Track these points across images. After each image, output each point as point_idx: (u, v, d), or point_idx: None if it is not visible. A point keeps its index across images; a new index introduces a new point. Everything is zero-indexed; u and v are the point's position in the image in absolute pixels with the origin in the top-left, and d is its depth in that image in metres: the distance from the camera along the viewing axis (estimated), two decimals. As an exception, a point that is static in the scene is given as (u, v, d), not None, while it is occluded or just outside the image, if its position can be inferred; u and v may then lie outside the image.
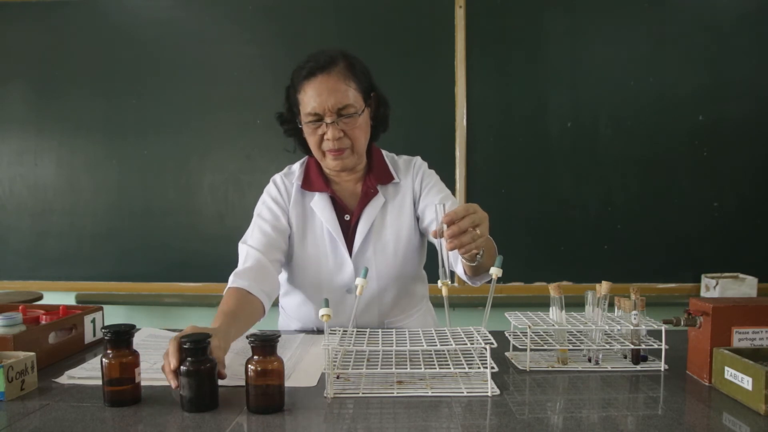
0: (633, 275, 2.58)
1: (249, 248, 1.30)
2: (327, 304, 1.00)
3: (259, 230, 1.34)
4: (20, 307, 1.22)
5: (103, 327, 0.90)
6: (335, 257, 1.35)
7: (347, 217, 1.36)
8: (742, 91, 2.58)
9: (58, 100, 2.77)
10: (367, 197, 1.36)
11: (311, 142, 1.30)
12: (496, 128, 2.64)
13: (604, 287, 1.08)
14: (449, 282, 1.07)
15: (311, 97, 1.24)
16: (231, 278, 1.24)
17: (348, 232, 1.36)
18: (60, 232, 2.79)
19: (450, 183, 2.66)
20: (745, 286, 2.47)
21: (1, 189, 2.82)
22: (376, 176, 1.37)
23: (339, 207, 1.37)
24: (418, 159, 1.45)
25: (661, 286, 2.62)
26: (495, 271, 1.07)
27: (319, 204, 1.36)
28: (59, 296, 2.72)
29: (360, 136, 1.30)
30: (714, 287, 2.48)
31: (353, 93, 1.26)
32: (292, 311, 1.46)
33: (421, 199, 1.39)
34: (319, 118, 1.26)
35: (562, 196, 2.63)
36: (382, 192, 1.38)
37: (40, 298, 2.64)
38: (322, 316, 0.99)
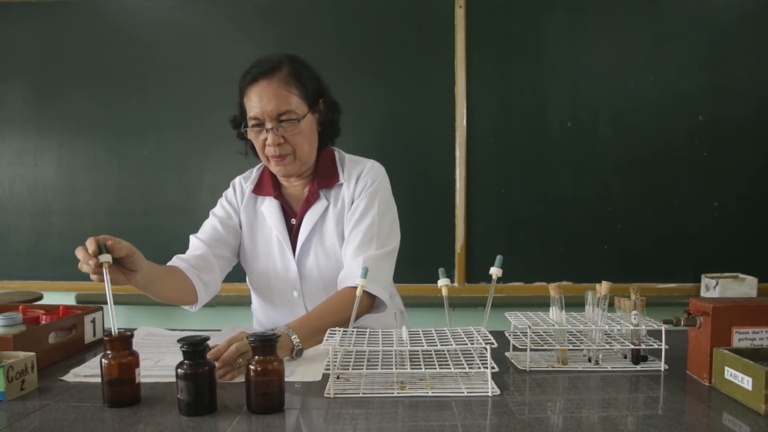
0: (633, 275, 2.57)
1: (195, 239, 1.37)
2: None
3: (209, 225, 1.40)
4: (20, 307, 1.22)
5: (105, 333, 0.90)
6: (282, 260, 1.37)
7: (293, 221, 1.38)
8: (742, 91, 2.57)
9: (58, 100, 2.77)
10: (308, 202, 1.36)
11: (256, 147, 1.31)
12: (496, 128, 2.64)
13: (604, 287, 1.08)
14: (449, 281, 1.07)
15: (254, 102, 1.26)
16: (172, 259, 1.30)
17: (294, 235, 1.37)
18: (60, 232, 2.79)
19: (450, 183, 2.68)
20: (745, 286, 2.46)
21: (1, 189, 2.82)
22: (320, 180, 1.36)
23: (287, 211, 1.38)
24: (368, 164, 1.39)
25: (661, 286, 2.62)
26: (495, 271, 1.07)
27: (268, 207, 1.38)
28: (59, 296, 2.72)
29: (302, 143, 1.29)
30: (714, 287, 2.48)
31: (295, 99, 1.26)
32: (255, 313, 1.51)
33: (348, 212, 1.35)
34: (260, 123, 1.27)
35: (562, 196, 2.63)
36: (326, 196, 1.36)
37: (40, 298, 2.63)
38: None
